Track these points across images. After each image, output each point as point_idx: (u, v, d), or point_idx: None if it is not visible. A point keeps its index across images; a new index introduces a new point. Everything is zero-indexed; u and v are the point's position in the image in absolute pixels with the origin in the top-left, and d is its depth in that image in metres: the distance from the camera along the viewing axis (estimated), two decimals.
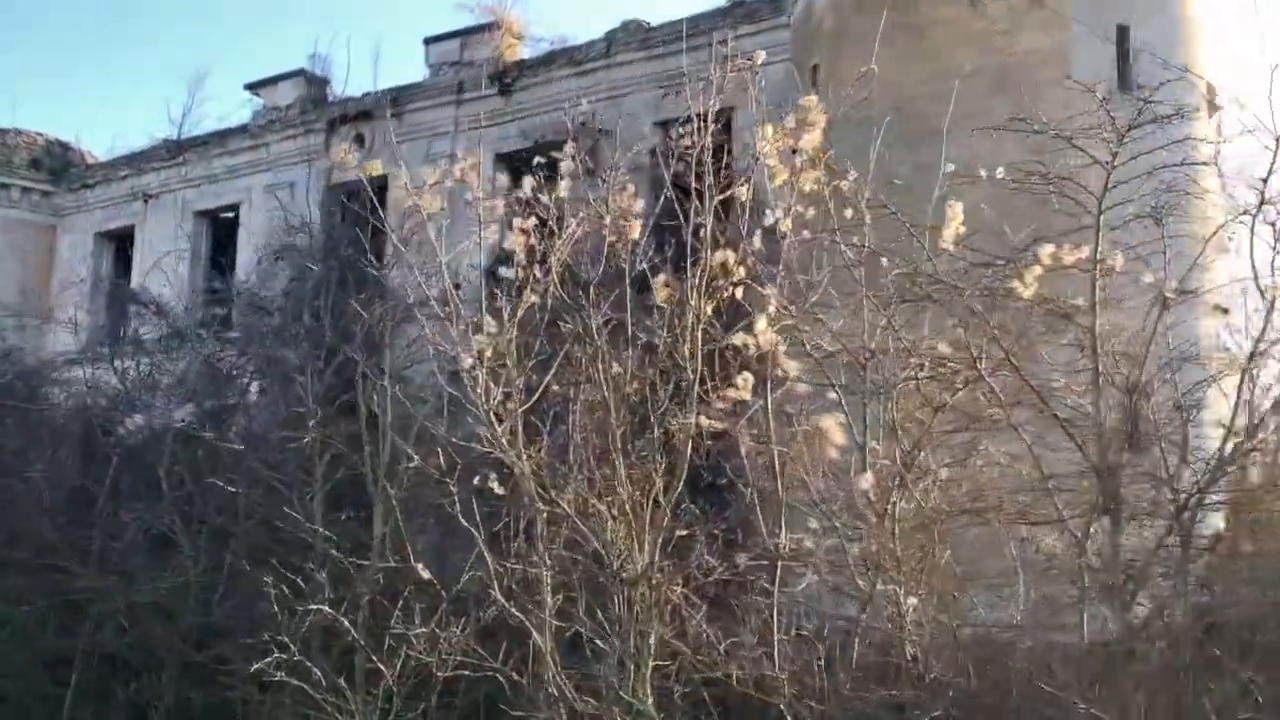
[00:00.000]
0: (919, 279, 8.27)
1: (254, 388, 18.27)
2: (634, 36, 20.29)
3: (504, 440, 8.91)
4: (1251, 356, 8.16)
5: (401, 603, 10.17)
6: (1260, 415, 8.31)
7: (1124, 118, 8.62)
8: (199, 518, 16.23)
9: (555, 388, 9.54)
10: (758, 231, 9.04)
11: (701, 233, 8.93)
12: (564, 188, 9.07)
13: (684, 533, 9.45)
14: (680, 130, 9.43)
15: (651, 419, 9.11)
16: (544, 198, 9.07)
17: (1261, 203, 8.19)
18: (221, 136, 25.64)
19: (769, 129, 8.66)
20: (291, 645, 10.09)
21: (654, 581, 8.87)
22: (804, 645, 8.86)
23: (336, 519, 14.07)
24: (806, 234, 9.16)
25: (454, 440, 9.97)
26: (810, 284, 9.25)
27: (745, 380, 8.48)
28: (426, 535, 13.49)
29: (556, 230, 9.11)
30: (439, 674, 9.78)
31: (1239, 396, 8.21)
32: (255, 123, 25.07)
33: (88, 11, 62.49)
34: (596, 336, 9.18)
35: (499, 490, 9.17)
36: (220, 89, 70.98)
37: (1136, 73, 13.16)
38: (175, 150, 26.22)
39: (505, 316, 8.93)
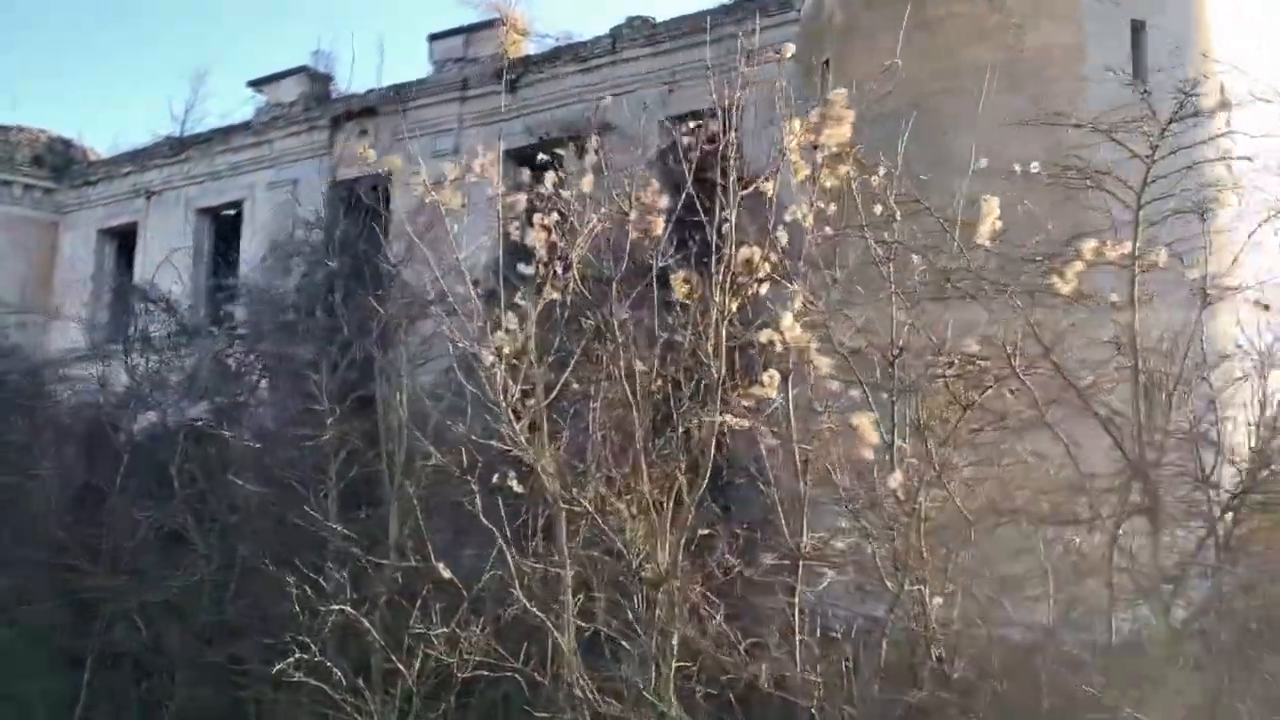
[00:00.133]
0: (954, 275, 8.18)
1: (263, 385, 18.15)
2: (639, 32, 20.23)
3: (523, 438, 8.82)
4: None
5: (420, 602, 10.10)
6: None
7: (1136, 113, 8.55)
8: (211, 516, 16.14)
9: (575, 385, 9.46)
10: (780, 227, 8.95)
11: (725, 228, 8.83)
12: (587, 183, 8.97)
13: (706, 532, 9.37)
14: (691, 125, 9.35)
15: (675, 416, 9.02)
16: (565, 193, 8.99)
17: None
18: (224, 133, 25.45)
19: (795, 123, 8.56)
20: (312, 645, 10.02)
21: (676, 582, 8.79)
22: (830, 646, 8.78)
23: (353, 517, 13.96)
24: (829, 230, 9.07)
25: (473, 438, 9.88)
26: (834, 280, 9.17)
27: (772, 378, 8.38)
28: (440, 534, 13.39)
29: (578, 226, 9.02)
30: (459, 674, 9.71)
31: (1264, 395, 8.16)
32: (259, 119, 24.89)
33: (88, 11, 62.36)
34: (619, 333, 9.10)
35: (518, 488, 9.10)
36: (222, 87, 70.49)
37: (1152, 67, 13.10)
38: (178, 147, 26.04)
39: (526, 312, 8.84)
